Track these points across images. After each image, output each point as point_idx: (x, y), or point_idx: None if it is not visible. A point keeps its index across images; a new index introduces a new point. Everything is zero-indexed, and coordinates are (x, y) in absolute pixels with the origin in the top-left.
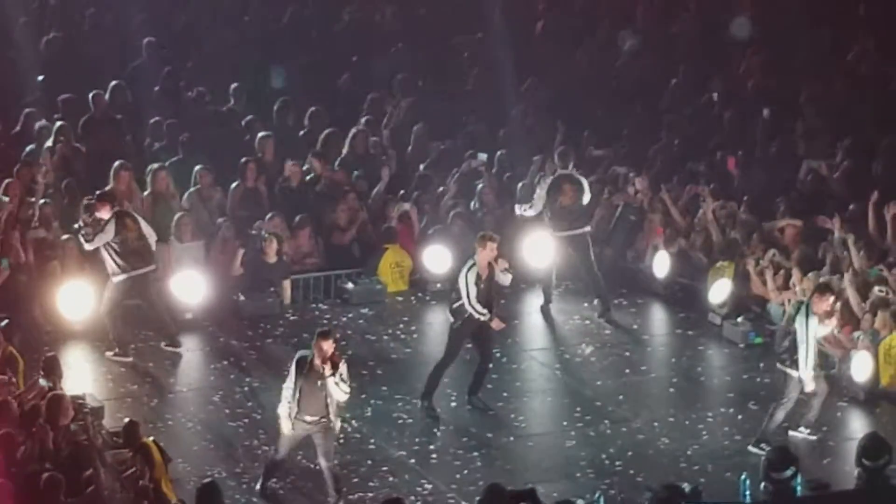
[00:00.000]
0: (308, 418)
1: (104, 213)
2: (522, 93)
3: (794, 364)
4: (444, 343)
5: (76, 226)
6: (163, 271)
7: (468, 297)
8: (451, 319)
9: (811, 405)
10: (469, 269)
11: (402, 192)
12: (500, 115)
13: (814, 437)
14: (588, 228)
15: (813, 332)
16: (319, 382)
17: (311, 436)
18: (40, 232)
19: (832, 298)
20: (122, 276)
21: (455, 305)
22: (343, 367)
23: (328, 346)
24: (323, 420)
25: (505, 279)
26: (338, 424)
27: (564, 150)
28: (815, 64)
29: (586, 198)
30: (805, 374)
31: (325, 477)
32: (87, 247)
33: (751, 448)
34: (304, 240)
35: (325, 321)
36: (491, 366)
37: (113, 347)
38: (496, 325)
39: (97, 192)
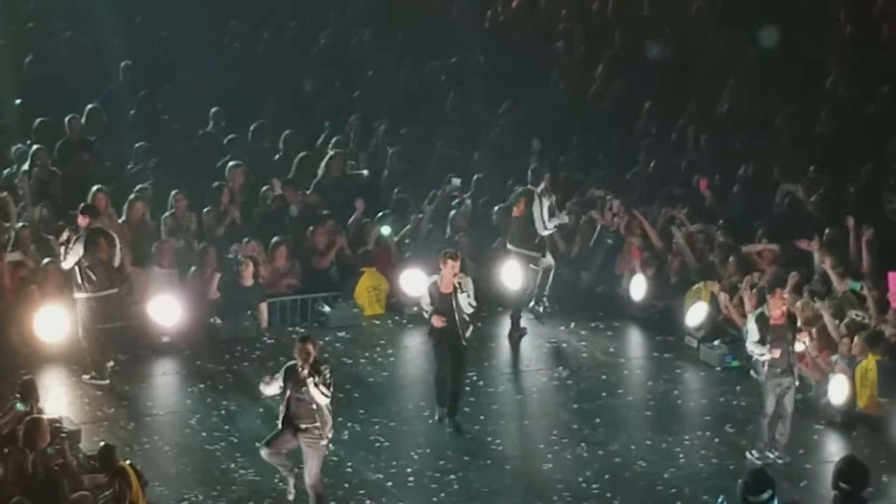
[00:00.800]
0: (302, 425)
1: (82, 223)
2: (499, 116)
3: (754, 368)
4: (420, 366)
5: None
6: (139, 296)
7: (421, 298)
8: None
9: (777, 426)
10: (432, 280)
11: (379, 214)
12: (475, 139)
13: (781, 462)
14: (535, 253)
15: (754, 332)
16: (304, 389)
17: (302, 449)
18: (17, 255)
19: (784, 294)
20: (83, 296)
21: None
22: (326, 372)
23: (308, 349)
24: (315, 429)
25: (465, 306)
26: (326, 439)
27: (537, 167)
28: (791, 87)
29: (538, 220)
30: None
31: (309, 499)
32: (64, 265)
33: (748, 455)
34: (280, 261)
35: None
36: (463, 387)
37: (89, 370)
38: (436, 320)
39: (82, 204)
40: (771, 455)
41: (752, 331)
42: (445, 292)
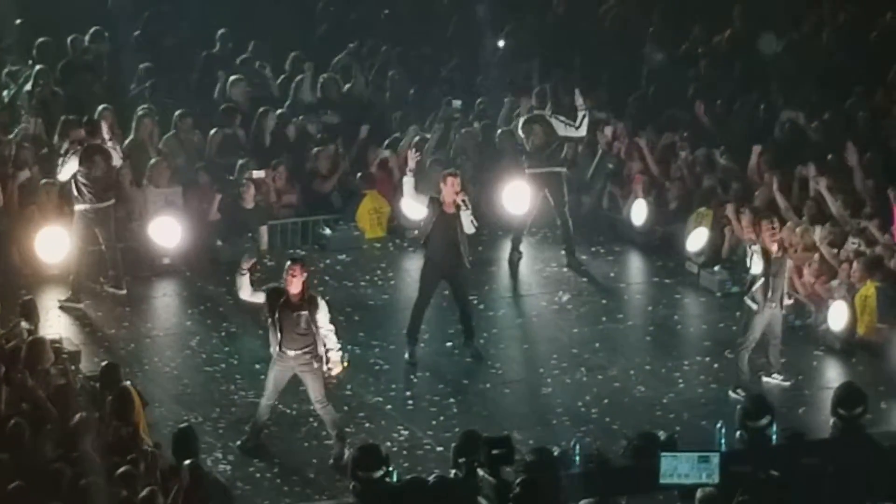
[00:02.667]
0: (290, 352)
1: (75, 137)
2: (501, 37)
3: (752, 298)
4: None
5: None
6: (139, 215)
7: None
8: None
9: (769, 350)
10: (431, 199)
11: (386, 142)
12: (478, 62)
13: (787, 384)
14: (563, 169)
15: (757, 263)
16: (295, 314)
17: (298, 376)
18: (25, 173)
19: (774, 222)
20: (82, 207)
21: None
22: (322, 307)
23: (291, 274)
24: (306, 355)
25: (467, 225)
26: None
27: (541, 90)
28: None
29: (561, 130)
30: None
31: (321, 419)
32: (59, 178)
33: (730, 393)
34: (280, 181)
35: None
36: (472, 308)
37: (67, 292)
38: (447, 206)
39: (86, 119)
40: (740, 392)
41: (755, 262)
42: (448, 212)
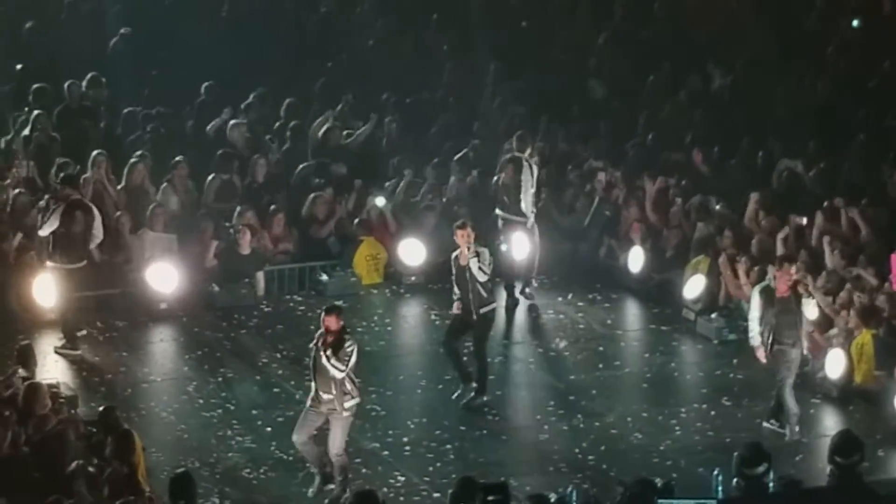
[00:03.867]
0: (324, 396)
1: (62, 195)
2: (497, 85)
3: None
4: (417, 336)
5: (39, 205)
6: (136, 261)
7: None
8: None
9: (775, 395)
10: (454, 255)
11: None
12: (475, 110)
13: (783, 431)
14: (520, 219)
15: (756, 307)
16: (321, 360)
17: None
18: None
19: (793, 266)
20: (53, 265)
21: None
22: (348, 347)
23: (328, 322)
24: (331, 401)
25: (478, 273)
26: (348, 411)
27: (522, 133)
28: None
29: (525, 183)
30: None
31: (333, 468)
32: (40, 233)
33: (764, 424)
34: (277, 228)
35: (299, 312)
36: (484, 362)
37: (62, 339)
38: (455, 306)
39: (62, 175)
40: (786, 427)
41: (753, 305)
42: (463, 265)
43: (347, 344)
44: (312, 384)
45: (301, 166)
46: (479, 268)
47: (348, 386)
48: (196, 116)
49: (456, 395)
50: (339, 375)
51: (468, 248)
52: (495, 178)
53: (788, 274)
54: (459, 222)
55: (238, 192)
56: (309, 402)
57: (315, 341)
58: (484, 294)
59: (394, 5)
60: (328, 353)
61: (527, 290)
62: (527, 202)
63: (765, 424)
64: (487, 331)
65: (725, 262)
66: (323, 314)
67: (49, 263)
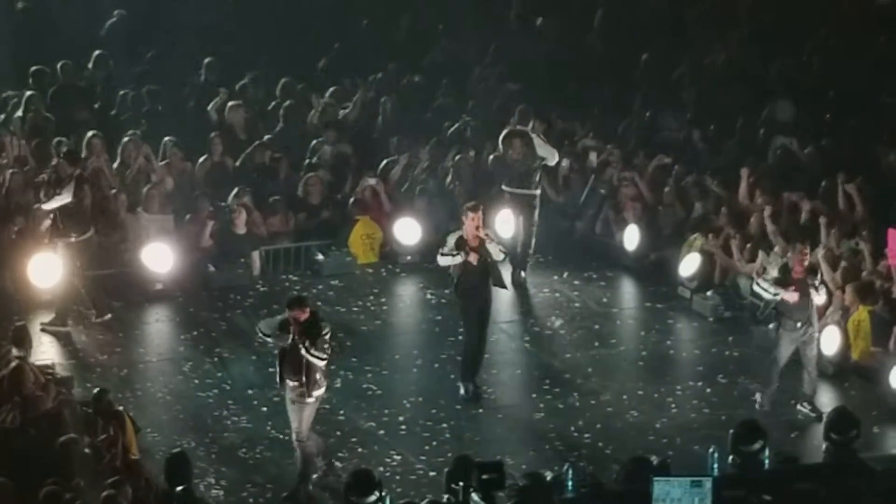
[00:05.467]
0: (289, 383)
1: (68, 171)
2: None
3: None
4: (413, 315)
5: (41, 178)
6: (132, 241)
7: (440, 250)
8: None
9: (803, 376)
10: (457, 235)
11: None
12: (468, 88)
13: (814, 415)
14: (537, 191)
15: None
16: (299, 352)
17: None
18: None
19: (805, 251)
20: (66, 239)
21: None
22: (325, 331)
23: (296, 315)
24: (300, 388)
25: (495, 253)
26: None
27: (525, 108)
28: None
29: (539, 148)
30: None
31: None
32: (44, 206)
33: (798, 407)
34: (277, 219)
35: (295, 292)
36: (483, 346)
37: (51, 316)
38: (472, 257)
39: (65, 151)
40: (767, 403)
41: (771, 273)
42: (472, 245)
43: (324, 331)
44: (277, 373)
45: (314, 142)
46: (499, 249)
47: (318, 375)
48: (197, 95)
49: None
50: (321, 364)
51: (479, 232)
52: (493, 154)
53: (803, 255)
54: (471, 204)
55: (230, 174)
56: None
57: (282, 326)
58: (499, 272)
59: None
60: (306, 344)
61: (522, 273)
62: (549, 155)
63: (798, 407)
64: (490, 311)
65: (720, 240)
66: (288, 311)
67: (57, 238)
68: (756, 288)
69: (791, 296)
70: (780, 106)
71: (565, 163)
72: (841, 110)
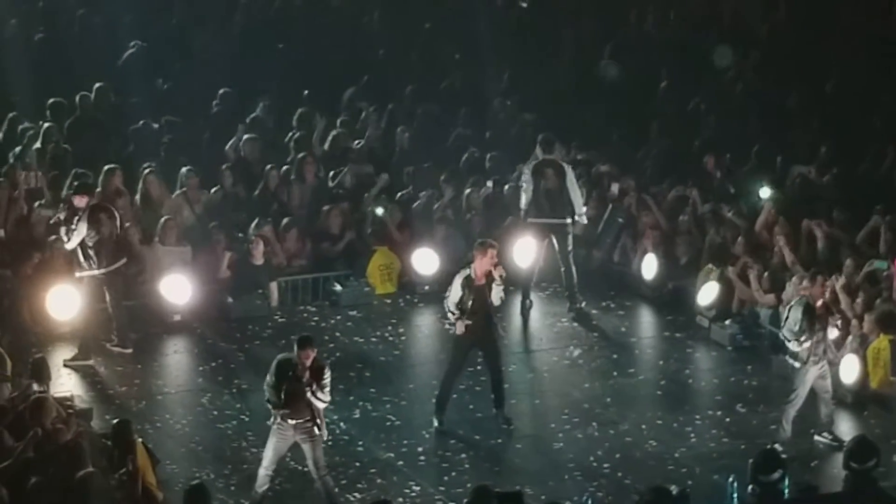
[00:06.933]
0: (291, 421)
1: (80, 204)
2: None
3: (794, 356)
4: (431, 345)
5: (52, 220)
6: (149, 273)
7: (447, 297)
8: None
9: (820, 406)
10: (464, 275)
11: (399, 194)
12: (488, 119)
13: (835, 444)
14: (569, 220)
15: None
16: (306, 395)
17: (298, 443)
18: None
19: (824, 280)
20: (90, 273)
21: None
22: (327, 376)
23: (306, 356)
24: (308, 424)
25: (496, 297)
26: (324, 431)
27: (546, 136)
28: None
29: (571, 185)
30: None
31: (317, 488)
32: (67, 246)
33: (816, 437)
34: (291, 242)
35: (313, 323)
36: (502, 376)
37: (74, 351)
38: (459, 328)
39: (76, 184)
40: (826, 436)
41: (795, 320)
42: (479, 284)
43: (325, 373)
44: (279, 411)
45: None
46: (500, 295)
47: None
48: (212, 126)
49: (435, 425)
50: (323, 406)
51: (495, 270)
52: (510, 184)
53: (822, 287)
54: (487, 241)
55: (243, 204)
56: (276, 428)
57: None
58: (494, 310)
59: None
60: (314, 388)
61: (528, 301)
62: (577, 203)
63: (816, 438)
64: (500, 343)
65: (737, 270)
66: (299, 349)
67: (83, 272)
68: (782, 336)
69: (831, 332)
70: (719, 51)
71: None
72: (860, 137)
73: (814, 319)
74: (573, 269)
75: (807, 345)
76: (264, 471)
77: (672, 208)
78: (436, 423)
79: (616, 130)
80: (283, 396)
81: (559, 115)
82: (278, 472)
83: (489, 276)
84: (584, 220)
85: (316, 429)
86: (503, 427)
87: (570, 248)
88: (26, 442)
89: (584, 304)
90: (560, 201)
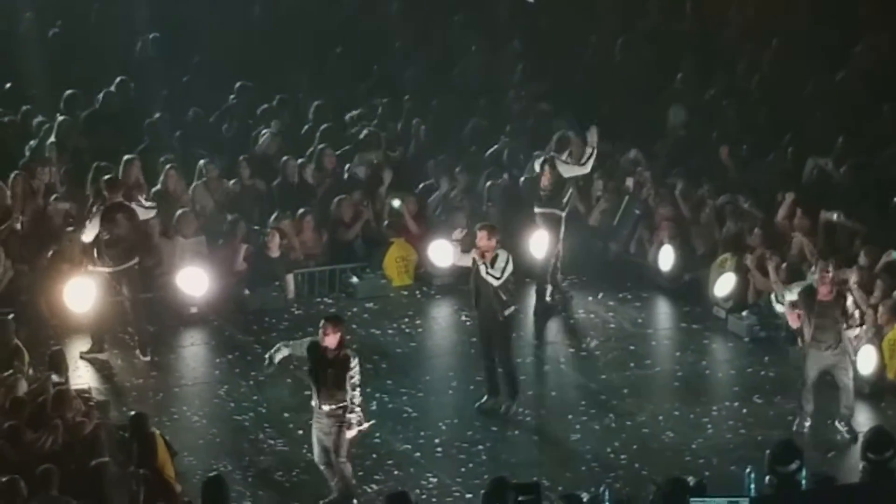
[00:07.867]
0: (325, 408)
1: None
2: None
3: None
4: (448, 337)
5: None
6: (166, 266)
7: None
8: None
9: (839, 397)
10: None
11: (422, 184)
12: (507, 111)
13: (849, 436)
14: (561, 213)
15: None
16: (329, 370)
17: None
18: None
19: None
20: (103, 269)
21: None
22: (353, 366)
23: (325, 334)
24: (338, 411)
25: (483, 274)
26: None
27: (562, 135)
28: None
29: (573, 172)
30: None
31: (332, 472)
32: (83, 238)
33: (836, 424)
34: (307, 232)
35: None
36: (512, 367)
37: (89, 344)
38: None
39: (95, 186)
40: (805, 425)
41: (789, 294)
42: (475, 268)
43: (351, 363)
44: (315, 399)
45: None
46: (488, 272)
47: (352, 394)
48: (229, 119)
49: (478, 403)
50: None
51: (479, 251)
52: (525, 176)
53: (827, 275)
54: (480, 224)
55: (261, 196)
56: (314, 418)
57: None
58: (503, 297)
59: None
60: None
61: (556, 295)
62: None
63: (835, 427)
64: (510, 334)
65: (754, 260)
66: (323, 323)
67: (94, 267)
68: (772, 297)
69: (793, 319)
70: (674, 110)
71: (599, 183)
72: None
73: (810, 305)
74: (556, 262)
75: (782, 310)
76: (321, 467)
77: (688, 200)
78: (481, 402)
79: (633, 121)
80: (314, 381)
81: (576, 105)
82: (295, 463)
83: (484, 256)
84: (589, 158)
85: (345, 416)
86: (516, 413)
87: (558, 241)
88: (48, 434)
89: (555, 297)
90: (553, 194)
